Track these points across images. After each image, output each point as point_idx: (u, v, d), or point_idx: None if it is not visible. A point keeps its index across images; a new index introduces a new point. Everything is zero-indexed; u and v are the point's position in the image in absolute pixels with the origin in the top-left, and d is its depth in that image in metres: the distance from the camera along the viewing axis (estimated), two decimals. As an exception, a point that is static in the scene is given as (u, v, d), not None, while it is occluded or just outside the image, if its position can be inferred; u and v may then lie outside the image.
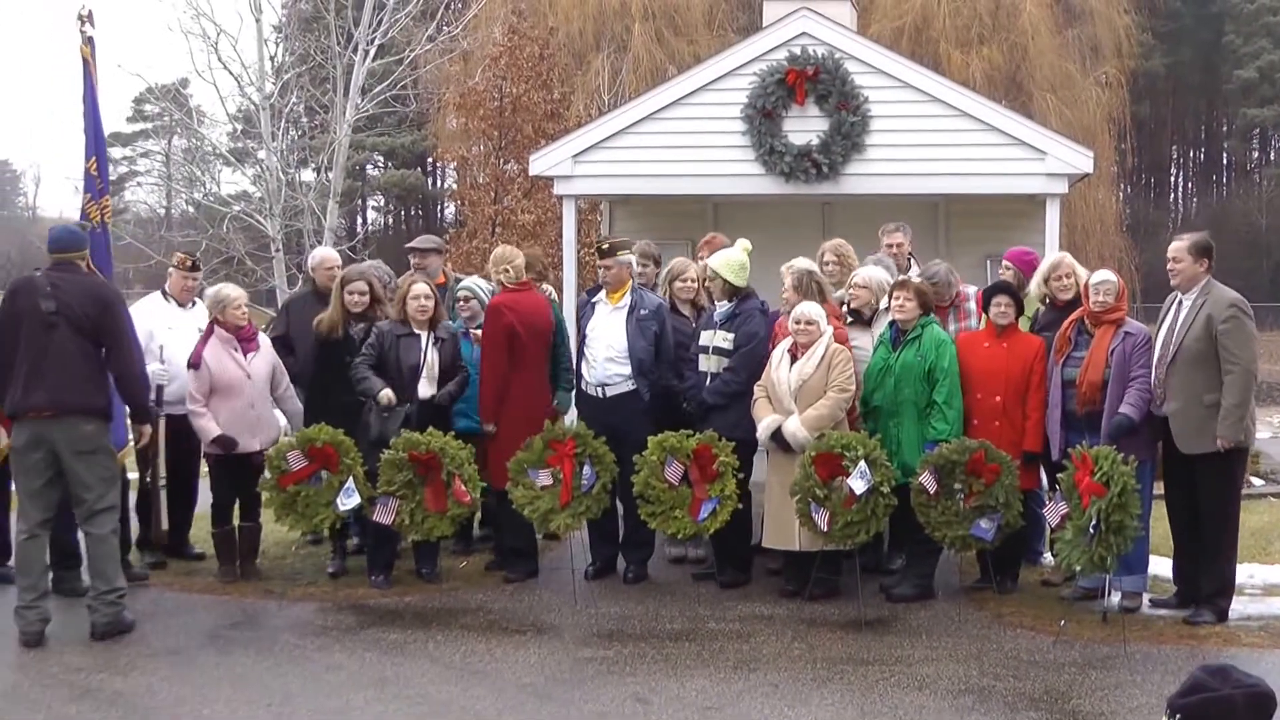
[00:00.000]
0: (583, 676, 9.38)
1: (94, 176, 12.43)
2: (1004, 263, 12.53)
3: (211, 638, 10.42)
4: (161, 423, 12.57)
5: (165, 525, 12.84)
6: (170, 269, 13.28)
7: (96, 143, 12.58)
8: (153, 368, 12.18)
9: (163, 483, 12.79)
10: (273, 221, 27.43)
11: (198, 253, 13.57)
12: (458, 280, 13.67)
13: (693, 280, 12.54)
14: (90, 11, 12.72)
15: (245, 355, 12.07)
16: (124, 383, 10.59)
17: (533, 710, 8.68)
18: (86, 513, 10.45)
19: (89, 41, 12.70)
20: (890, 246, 13.46)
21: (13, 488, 11.89)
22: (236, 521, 12.29)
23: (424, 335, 11.90)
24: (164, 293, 13.12)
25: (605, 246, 12.23)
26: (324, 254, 13.95)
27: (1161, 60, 58.35)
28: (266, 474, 11.41)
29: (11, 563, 12.18)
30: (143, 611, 11.12)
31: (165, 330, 12.65)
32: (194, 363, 11.89)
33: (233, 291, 12.33)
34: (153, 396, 12.12)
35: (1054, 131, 18.54)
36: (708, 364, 11.76)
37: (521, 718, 8.55)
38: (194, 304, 12.99)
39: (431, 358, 11.87)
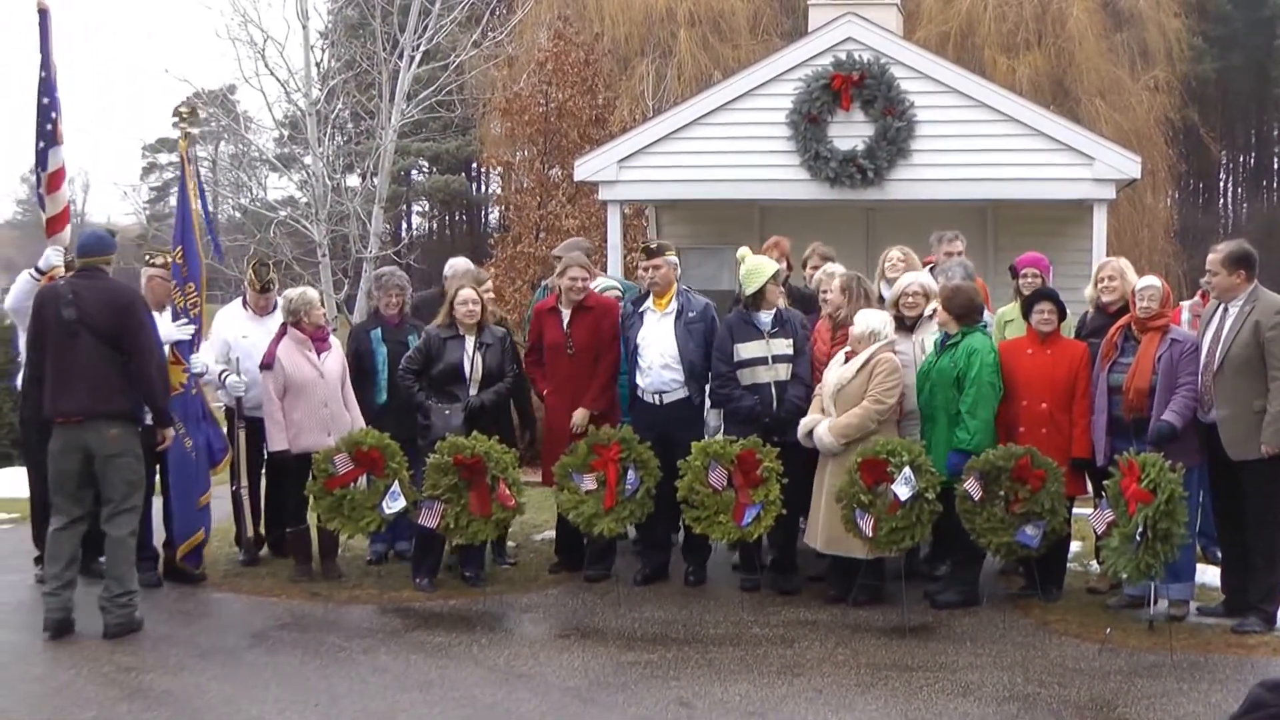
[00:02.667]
0: (626, 680, 9.40)
1: (179, 265, 12.50)
2: (1029, 270, 12.43)
3: (259, 639, 10.49)
4: (242, 432, 12.80)
5: (251, 531, 12.95)
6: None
7: (184, 235, 12.61)
8: (231, 379, 12.41)
9: (245, 487, 12.91)
10: (318, 227, 27.53)
11: (268, 266, 13.54)
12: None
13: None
14: (194, 109, 12.77)
15: (319, 355, 12.21)
16: (141, 386, 10.71)
17: (576, 713, 8.71)
18: (109, 513, 10.68)
19: (188, 139, 12.83)
20: (949, 255, 13.41)
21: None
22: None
23: (469, 339, 11.96)
24: (244, 301, 13.29)
25: (653, 247, 12.23)
26: (458, 263, 14.02)
27: (1212, 65, 57.90)
28: (313, 477, 11.48)
29: (103, 559, 12.49)
30: (192, 612, 11.24)
31: (240, 339, 12.83)
32: (267, 363, 12.05)
33: (313, 294, 12.57)
34: (231, 404, 12.62)
35: (1102, 137, 18.50)
36: (770, 374, 11.66)
37: (565, 721, 8.60)
38: (273, 310, 13.09)
39: (476, 361, 11.92)
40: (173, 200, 76.14)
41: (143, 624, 10.68)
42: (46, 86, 12.40)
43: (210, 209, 12.77)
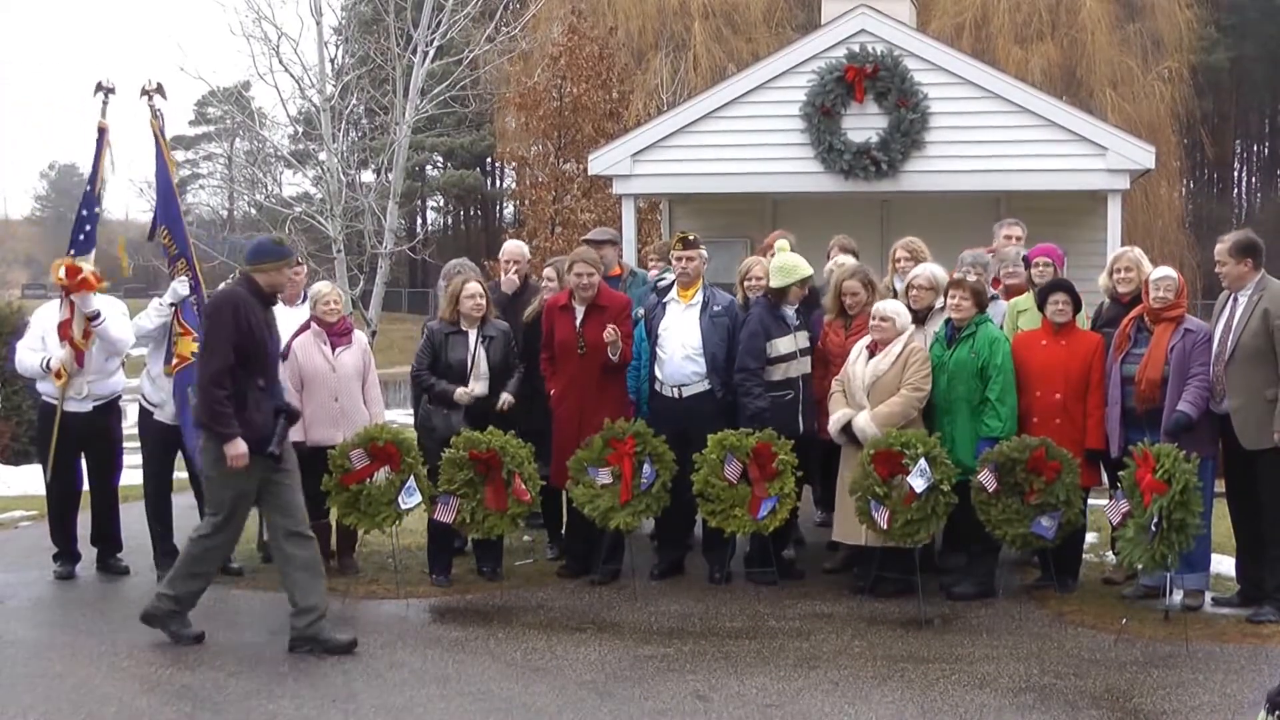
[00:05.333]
0: (643, 674, 9.38)
1: (166, 245, 12.56)
2: (1040, 260, 12.40)
3: (277, 635, 10.46)
4: None
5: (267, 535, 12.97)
6: None
7: (167, 213, 12.66)
8: None
9: None
10: (334, 222, 27.55)
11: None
12: (633, 273, 13.88)
13: (760, 279, 12.37)
14: (159, 85, 12.77)
15: (335, 349, 12.21)
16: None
17: (593, 707, 8.69)
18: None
19: (158, 115, 12.78)
20: (1009, 239, 13.46)
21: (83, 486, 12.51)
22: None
23: (472, 333, 11.93)
24: None
25: (690, 238, 12.17)
26: (512, 247, 14.01)
27: (1225, 54, 57.78)
28: (329, 473, 11.46)
29: (120, 556, 12.49)
30: (210, 609, 11.21)
31: None
32: (283, 354, 12.05)
33: (324, 288, 12.59)
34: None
35: (1115, 127, 18.47)
36: (800, 367, 11.71)
37: (582, 714, 8.57)
38: (302, 300, 13.11)
39: (479, 355, 11.90)
40: (190, 197, 76.50)
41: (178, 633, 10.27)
42: (87, 199, 12.46)
43: (171, 197, 12.66)
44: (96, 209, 12.41)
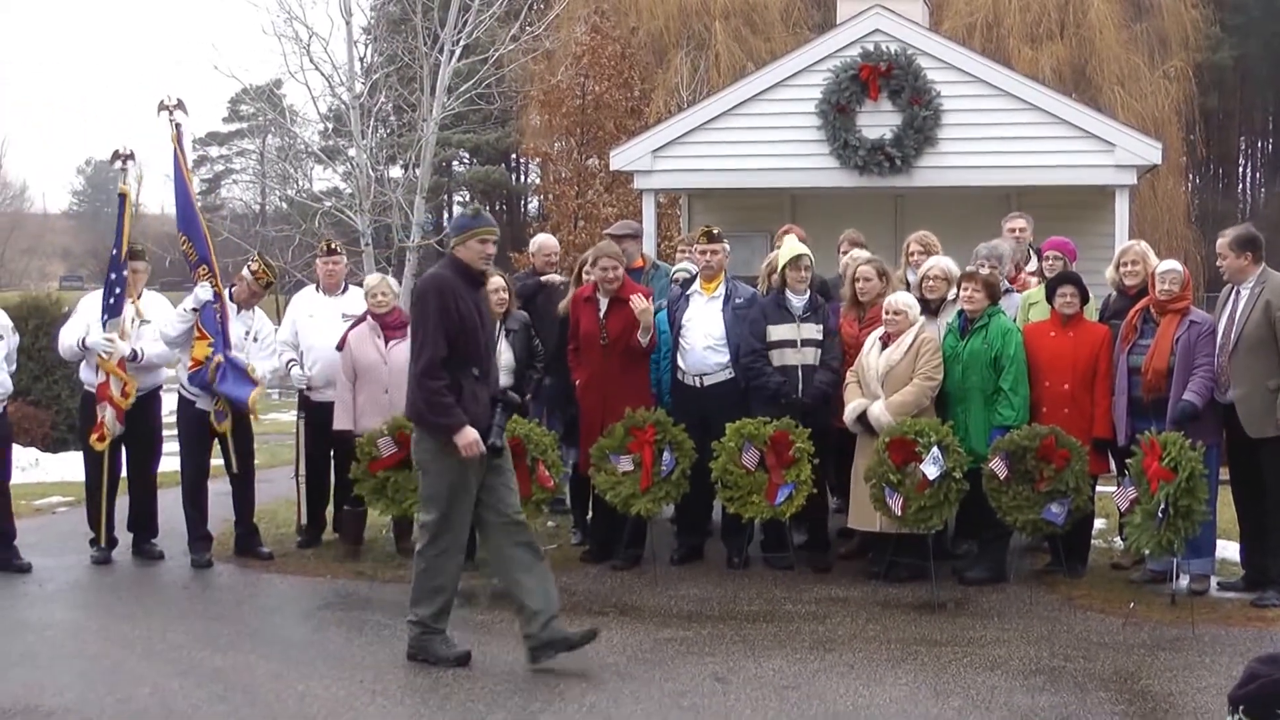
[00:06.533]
0: (663, 656, 9.38)
1: (187, 253, 12.58)
2: (1052, 253, 12.39)
3: (306, 617, 10.51)
4: (302, 422, 13.04)
5: (305, 518, 13.10)
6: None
7: (186, 222, 12.69)
8: (295, 372, 12.52)
9: (302, 475, 13.10)
10: (362, 217, 27.58)
11: (333, 242, 13.55)
12: (655, 266, 13.91)
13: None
14: (179, 100, 12.75)
15: (387, 342, 12.21)
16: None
17: (614, 688, 8.68)
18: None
19: (177, 129, 12.77)
20: (1013, 231, 13.44)
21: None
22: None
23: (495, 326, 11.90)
24: (316, 285, 13.41)
25: (715, 232, 12.15)
26: (542, 240, 14.22)
27: (1229, 53, 57.51)
28: (357, 460, 11.46)
29: (156, 541, 12.58)
30: (240, 593, 11.28)
31: (306, 318, 13.02)
32: (339, 345, 12.21)
33: (373, 280, 12.74)
34: (302, 386, 12.84)
35: (1122, 124, 18.46)
36: (799, 357, 11.62)
37: (604, 695, 8.55)
38: (343, 290, 13.13)
39: (502, 347, 11.88)
40: (223, 192, 76.56)
41: (445, 659, 9.17)
42: (115, 264, 12.46)
43: (190, 208, 12.64)
44: (125, 272, 12.39)
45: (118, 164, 12.73)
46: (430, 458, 9.03)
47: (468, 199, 78.77)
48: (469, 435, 8.82)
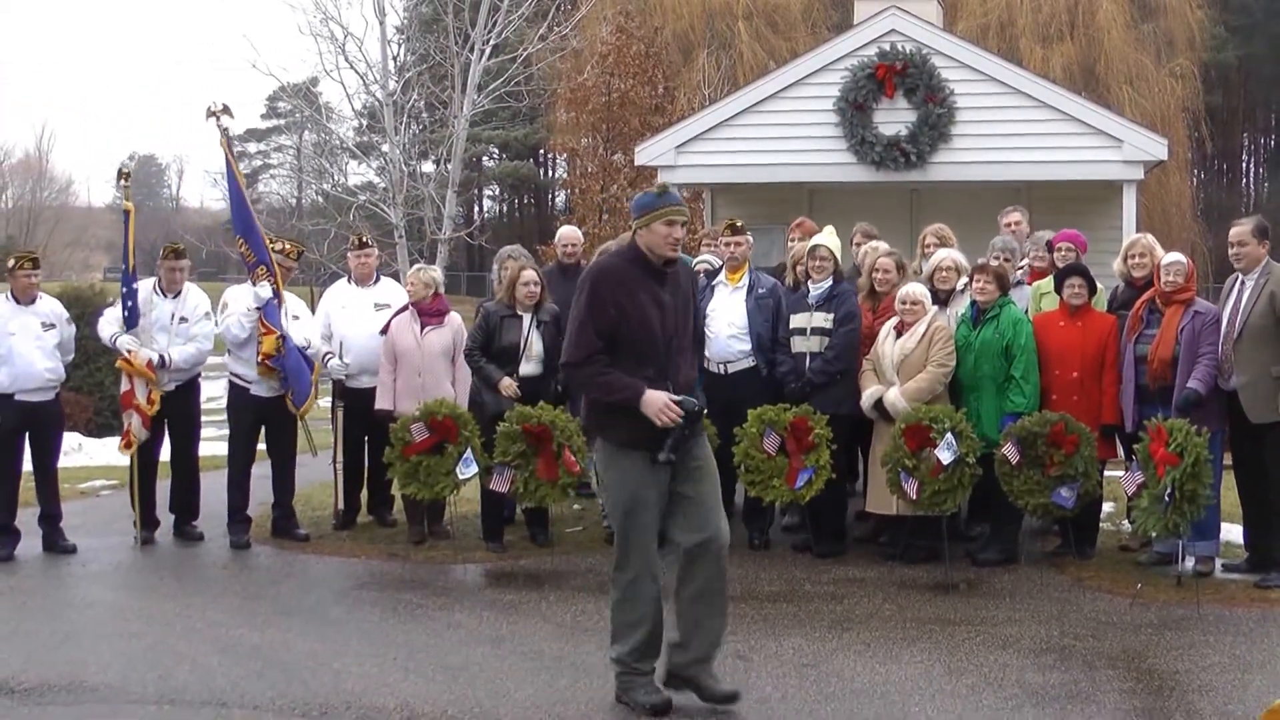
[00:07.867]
0: (686, 634, 9.34)
1: (245, 255, 12.64)
2: (1063, 244, 12.35)
3: (341, 596, 10.51)
4: (340, 410, 13.01)
5: (343, 503, 13.09)
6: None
7: (243, 225, 12.73)
8: (333, 363, 12.52)
9: (340, 462, 13.07)
10: (395, 210, 27.66)
11: (361, 234, 13.59)
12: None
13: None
14: (225, 105, 12.73)
15: (423, 329, 12.25)
16: None
17: (639, 665, 8.65)
18: None
19: (225, 134, 12.79)
20: (1009, 225, 13.45)
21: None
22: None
23: (526, 317, 11.90)
24: (349, 276, 13.46)
25: (738, 225, 12.15)
26: (563, 232, 14.21)
27: (1234, 52, 57.45)
28: (390, 445, 11.47)
29: (196, 523, 12.59)
30: (277, 573, 11.29)
31: (339, 309, 13.01)
32: (383, 330, 12.34)
33: (411, 270, 12.84)
34: (340, 375, 12.78)
35: (1130, 121, 18.43)
36: (806, 344, 11.56)
37: (629, 672, 8.54)
38: (376, 281, 13.17)
39: (533, 338, 11.89)
40: (261, 186, 76.67)
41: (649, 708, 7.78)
42: (125, 278, 12.48)
43: (245, 211, 12.64)
44: (134, 285, 12.40)
45: (120, 182, 12.75)
46: (603, 466, 7.91)
47: (498, 193, 78.95)
48: (656, 399, 7.42)
